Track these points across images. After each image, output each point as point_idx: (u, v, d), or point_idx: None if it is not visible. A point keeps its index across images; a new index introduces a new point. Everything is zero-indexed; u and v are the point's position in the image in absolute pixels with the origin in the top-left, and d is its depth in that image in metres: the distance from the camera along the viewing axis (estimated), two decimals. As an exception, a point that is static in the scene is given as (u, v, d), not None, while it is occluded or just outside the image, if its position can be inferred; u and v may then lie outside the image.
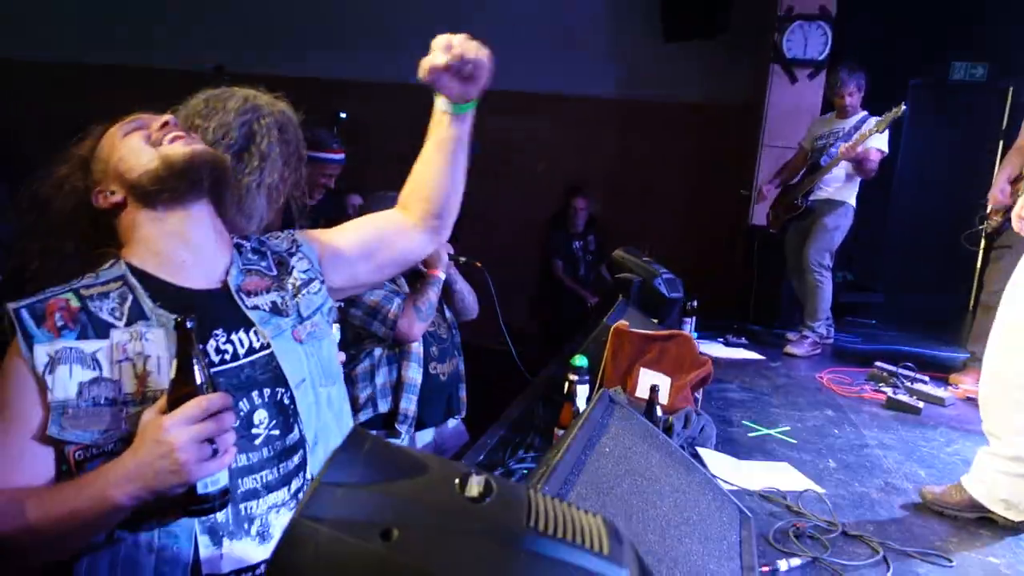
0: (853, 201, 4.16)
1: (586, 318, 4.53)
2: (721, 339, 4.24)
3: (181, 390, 1.04)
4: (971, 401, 3.39)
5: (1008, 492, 1.96)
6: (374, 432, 0.93)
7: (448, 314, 2.84)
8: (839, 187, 4.15)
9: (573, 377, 2.19)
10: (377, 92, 5.78)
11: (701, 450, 2.39)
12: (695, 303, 3.72)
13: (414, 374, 2.60)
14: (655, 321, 3.19)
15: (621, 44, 6.10)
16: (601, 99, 6.23)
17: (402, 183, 1.52)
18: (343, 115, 4.89)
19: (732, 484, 2.12)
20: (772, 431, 2.73)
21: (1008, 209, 3.23)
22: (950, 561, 1.80)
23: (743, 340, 4.27)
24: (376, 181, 2.78)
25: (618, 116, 6.24)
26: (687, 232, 5.90)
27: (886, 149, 3.98)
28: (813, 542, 1.82)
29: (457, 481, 0.65)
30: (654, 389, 2.20)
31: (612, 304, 3.25)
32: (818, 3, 4.88)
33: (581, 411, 2.20)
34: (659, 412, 2.21)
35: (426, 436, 2.74)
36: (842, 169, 4.09)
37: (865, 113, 4.06)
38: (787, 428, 2.78)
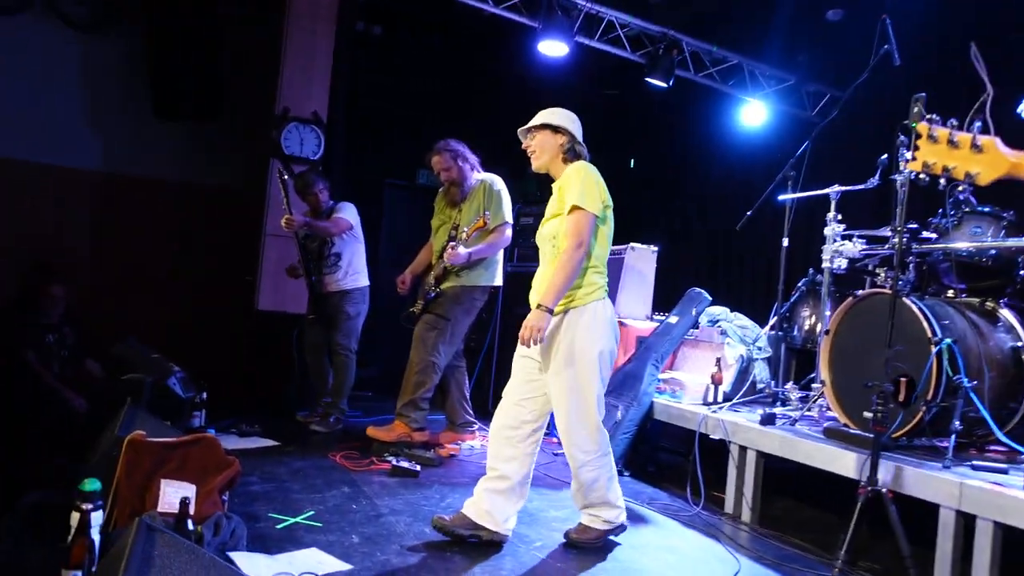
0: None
1: (76, 426, 3.94)
2: (235, 430, 4.19)
3: None
4: (452, 457, 4.11)
5: (489, 506, 2.74)
6: None
7: None
8: (355, 275, 4.65)
9: (86, 506, 1.95)
10: None
11: (234, 554, 2.36)
12: (204, 395, 3.63)
13: None
14: (168, 424, 3.01)
15: (107, 116, 5.63)
16: (81, 171, 5.60)
17: None
18: None
19: (271, 584, 2.16)
20: (298, 519, 2.85)
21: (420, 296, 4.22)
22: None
23: (256, 427, 4.29)
24: None
25: (100, 191, 5.68)
26: (185, 319, 5.66)
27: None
28: (352, 622, 2.00)
29: None
30: (184, 503, 2.11)
31: (115, 409, 2.95)
32: (311, 108, 5.39)
33: (99, 545, 1.97)
34: (190, 525, 2.12)
35: None
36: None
37: (334, 203, 4.70)
38: (311, 512, 2.93)
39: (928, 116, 1.67)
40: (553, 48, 5.35)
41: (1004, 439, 2.85)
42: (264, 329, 5.26)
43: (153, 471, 2.42)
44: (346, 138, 5.93)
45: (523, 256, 5.47)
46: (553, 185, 2.92)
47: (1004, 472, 2.71)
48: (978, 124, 1.64)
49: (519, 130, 2.98)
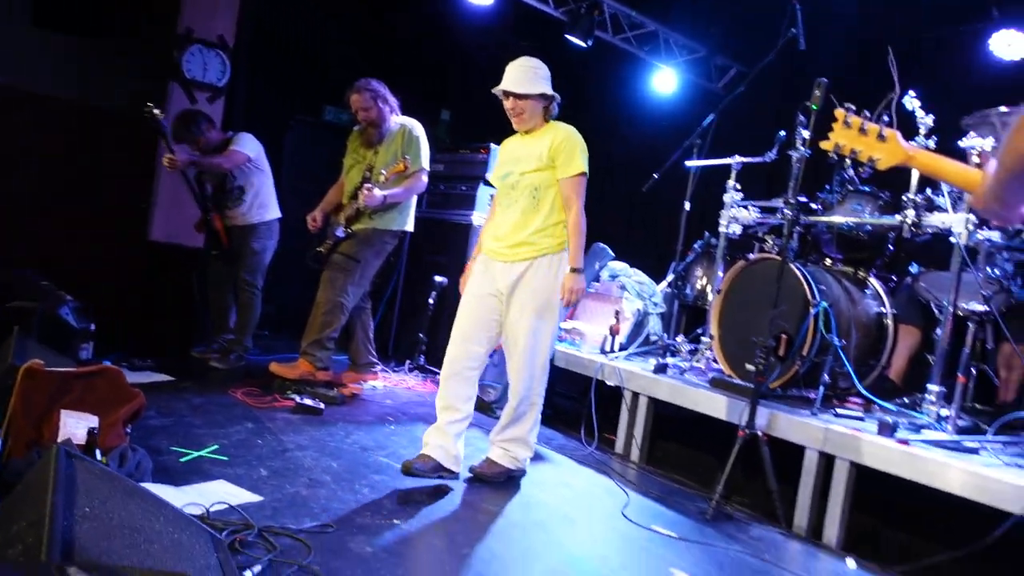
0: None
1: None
2: (126, 364, 4.03)
3: None
4: (355, 397, 4.15)
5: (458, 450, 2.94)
6: None
7: None
8: (261, 209, 4.50)
9: (-17, 433, 1.88)
10: None
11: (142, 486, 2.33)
12: (93, 326, 3.48)
13: None
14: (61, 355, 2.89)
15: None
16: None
17: None
18: None
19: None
20: (202, 452, 2.83)
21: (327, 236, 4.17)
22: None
23: (149, 362, 4.15)
24: None
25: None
26: (73, 247, 5.30)
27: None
28: (265, 544, 2.05)
29: None
30: (92, 433, 2.07)
31: (2, 338, 2.80)
32: (216, 31, 5.09)
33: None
34: (98, 455, 2.09)
35: None
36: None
37: (233, 133, 4.54)
38: (215, 446, 2.92)
39: (846, 104, 1.87)
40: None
41: (864, 392, 3.21)
42: (157, 261, 5.02)
43: (52, 401, 2.33)
44: (251, 67, 5.65)
45: (432, 203, 5.48)
46: (526, 136, 3.07)
47: (861, 420, 3.07)
48: (885, 118, 1.84)
49: (500, 88, 3.02)
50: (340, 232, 4.15)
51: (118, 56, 5.36)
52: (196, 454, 2.80)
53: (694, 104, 6.28)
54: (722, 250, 4.12)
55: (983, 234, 3.04)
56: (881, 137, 1.75)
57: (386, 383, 4.60)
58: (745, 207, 4.06)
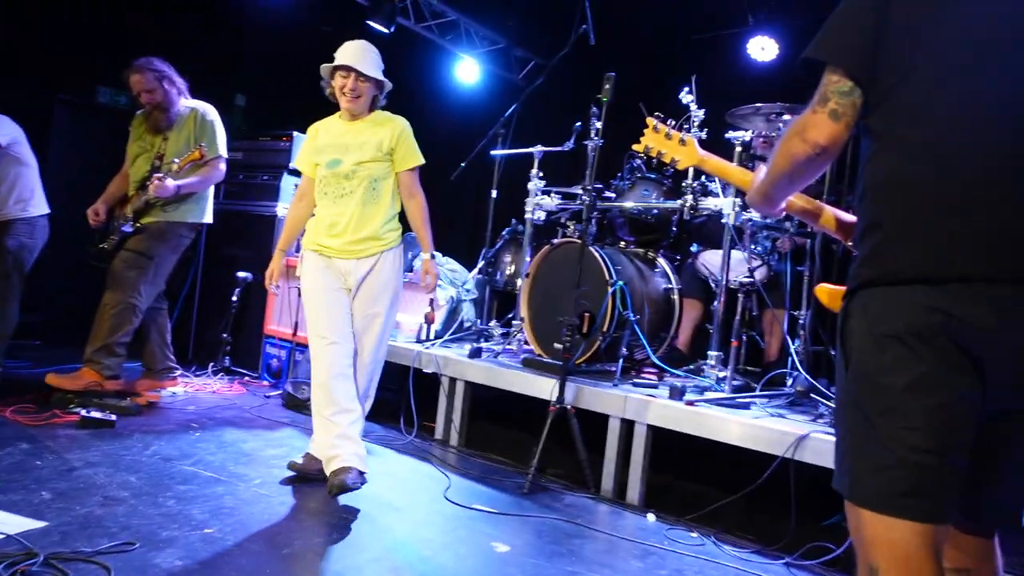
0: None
1: None
2: None
3: None
4: (153, 406, 3.82)
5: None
6: None
7: None
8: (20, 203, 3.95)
9: None
10: None
11: None
12: None
13: None
14: None
15: None
16: None
17: None
18: None
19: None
20: (-35, 481, 2.47)
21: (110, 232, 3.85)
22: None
23: None
24: None
25: None
26: None
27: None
28: (54, 573, 1.85)
29: None
30: None
31: None
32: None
33: None
34: None
35: None
36: None
37: None
38: (-18, 473, 2.56)
39: (655, 114, 2.27)
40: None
41: (656, 361, 3.54)
42: None
43: None
44: (4, 39, 4.94)
45: (231, 193, 5.15)
46: (353, 122, 2.97)
47: (656, 387, 3.38)
48: (686, 127, 2.15)
49: (334, 65, 2.87)
50: (127, 227, 3.79)
51: None
52: (-45, 485, 2.44)
53: (497, 94, 6.48)
54: (528, 236, 4.31)
55: (747, 215, 3.47)
56: (682, 142, 2.08)
57: (188, 388, 4.28)
58: (548, 194, 4.28)
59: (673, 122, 2.19)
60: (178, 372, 4.20)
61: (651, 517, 2.94)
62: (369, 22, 5.50)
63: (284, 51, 5.86)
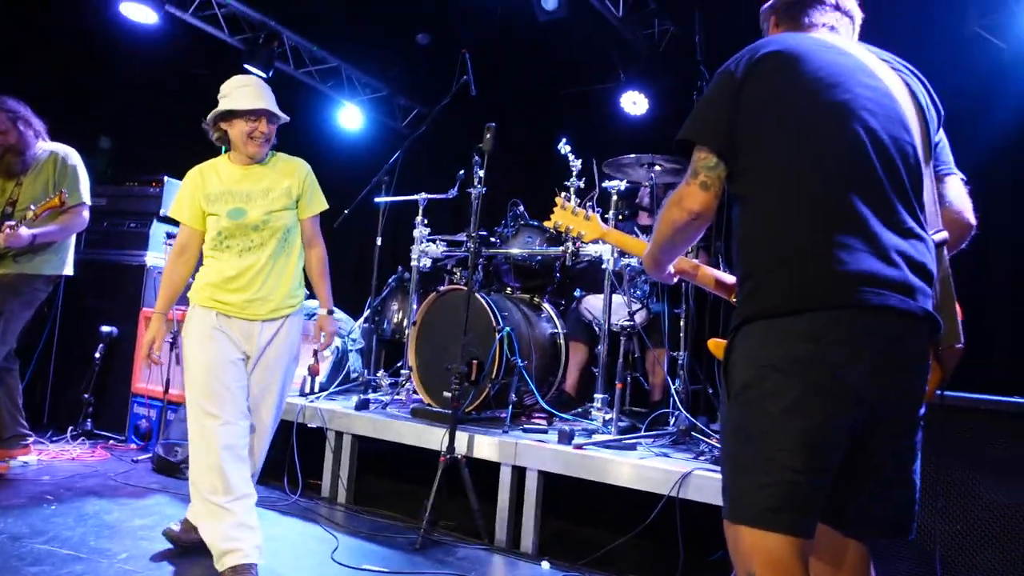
0: None
1: None
2: None
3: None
4: (1, 478, 3.44)
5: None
6: None
7: None
8: None
9: None
10: None
11: None
12: None
13: None
14: None
15: None
16: None
17: None
18: None
19: None
20: None
21: None
22: None
23: None
24: None
25: None
26: None
27: None
28: None
29: None
30: None
31: None
32: None
33: None
34: None
35: None
36: None
37: None
38: None
39: (564, 195, 2.73)
40: (139, 13, 4.85)
41: (545, 406, 3.58)
42: None
43: None
44: None
45: (93, 242, 4.80)
46: (250, 167, 2.72)
47: (545, 432, 3.42)
48: (589, 205, 2.73)
49: (256, 107, 2.63)
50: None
51: None
52: None
53: (381, 142, 6.48)
54: (415, 283, 4.28)
55: (625, 260, 3.62)
56: (587, 218, 2.34)
57: (42, 456, 3.89)
58: (433, 241, 4.28)
59: (578, 200, 2.53)
60: (31, 439, 3.81)
61: (545, 565, 2.93)
62: (246, 65, 5.38)
63: (154, 92, 5.61)
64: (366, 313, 4.64)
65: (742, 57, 1.52)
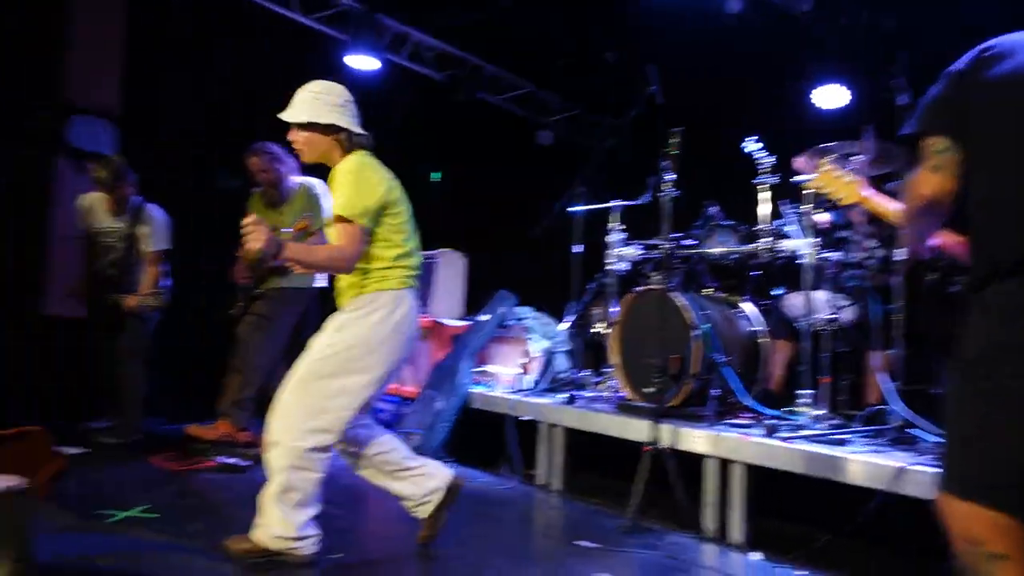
0: None
1: None
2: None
3: None
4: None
5: None
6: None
7: None
8: None
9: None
10: None
11: None
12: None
13: None
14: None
15: None
16: None
17: None
18: None
19: None
20: (131, 512, 2.80)
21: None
22: None
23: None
24: None
25: None
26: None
27: None
28: None
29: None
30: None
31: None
32: (100, 100, 5.05)
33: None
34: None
35: None
36: None
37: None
38: (146, 506, 2.88)
39: (827, 156, 2.75)
40: (363, 62, 5.61)
41: (749, 403, 3.62)
42: (49, 335, 4.80)
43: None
44: (140, 136, 5.61)
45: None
46: None
47: (750, 427, 3.46)
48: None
49: (283, 115, 2.69)
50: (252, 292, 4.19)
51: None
52: (124, 514, 2.77)
53: (571, 157, 6.80)
54: (613, 286, 4.50)
55: (827, 255, 3.56)
56: (850, 181, 2.42)
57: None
58: (629, 245, 4.48)
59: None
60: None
61: (756, 555, 2.98)
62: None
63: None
64: (570, 317, 4.92)
65: (967, 55, 1.61)
